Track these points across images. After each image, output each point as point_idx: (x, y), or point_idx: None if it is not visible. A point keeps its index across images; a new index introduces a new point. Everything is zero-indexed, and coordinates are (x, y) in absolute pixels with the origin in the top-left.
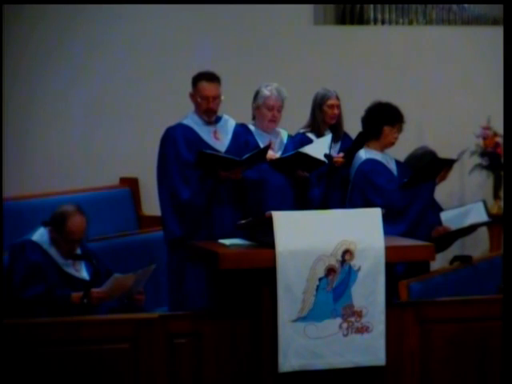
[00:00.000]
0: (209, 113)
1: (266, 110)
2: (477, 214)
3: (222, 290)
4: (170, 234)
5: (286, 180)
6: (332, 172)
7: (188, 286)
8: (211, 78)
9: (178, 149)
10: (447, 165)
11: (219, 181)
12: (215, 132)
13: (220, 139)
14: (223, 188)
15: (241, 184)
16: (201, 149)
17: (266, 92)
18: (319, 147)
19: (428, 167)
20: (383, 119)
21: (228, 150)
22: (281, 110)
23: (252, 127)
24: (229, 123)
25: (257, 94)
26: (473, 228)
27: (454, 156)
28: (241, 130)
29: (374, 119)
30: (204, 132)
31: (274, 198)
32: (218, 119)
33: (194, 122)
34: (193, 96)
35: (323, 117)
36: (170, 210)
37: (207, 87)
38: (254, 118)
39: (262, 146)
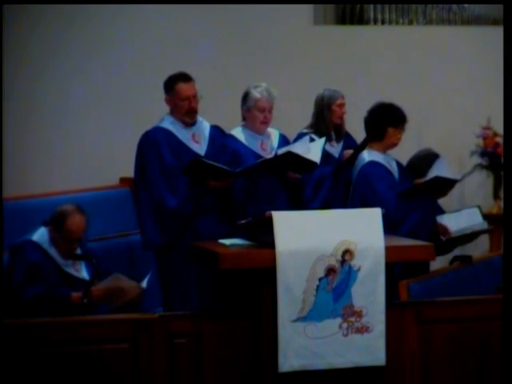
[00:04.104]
0: (191, 113)
1: (257, 112)
2: (474, 219)
3: (222, 290)
4: (149, 242)
5: (277, 184)
6: (338, 171)
7: (175, 291)
8: (187, 78)
9: (162, 154)
10: (449, 184)
11: (207, 189)
12: (193, 135)
13: (199, 142)
14: (209, 196)
15: (227, 192)
16: (182, 153)
17: (256, 94)
18: (312, 149)
19: (429, 184)
20: (387, 120)
21: (207, 154)
22: (272, 111)
23: (240, 129)
24: (204, 125)
25: (246, 96)
26: (475, 235)
27: (453, 156)
28: (216, 133)
29: (378, 120)
30: (183, 135)
31: (266, 202)
32: (194, 122)
33: (171, 125)
34: (170, 100)
35: (331, 116)
36: (150, 218)
37: (186, 87)
38: (243, 119)
39: (247, 147)
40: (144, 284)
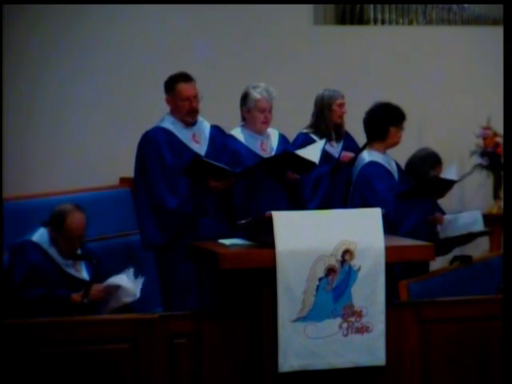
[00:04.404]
0: (193, 113)
1: (258, 113)
2: (474, 222)
3: (222, 290)
4: (149, 242)
5: (278, 184)
6: (335, 171)
7: (175, 291)
8: (187, 77)
9: (162, 154)
10: (447, 185)
11: (207, 189)
12: (194, 135)
13: (199, 142)
14: (209, 196)
15: (227, 192)
16: (182, 153)
17: (256, 95)
18: (311, 151)
19: (427, 184)
20: (388, 120)
21: (207, 154)
22: (271, 111)
23: (239, 129)
24: (204, 125)
25: (246, 97)
26: (472, 236)
27: (453, 156)
28: (217, 133)
29: (379, 121)
30: (184, 135)
31: (267, 202)
32: (195, 122)
33: (172, 125)
34: (170, 100)
35: (331, 116)
36: (150, 218)
37: (186, 87)
38: (243, 120)
39: (247, 147)
40: (138, 293)
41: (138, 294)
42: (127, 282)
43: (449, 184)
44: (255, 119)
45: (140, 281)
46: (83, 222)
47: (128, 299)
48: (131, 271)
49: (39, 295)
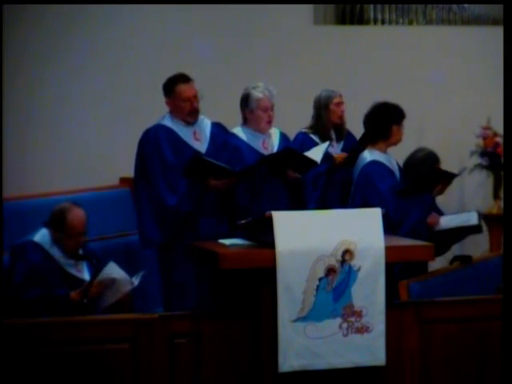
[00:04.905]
0: (194, 113)
1: (261, 113)
2: (469, 219)
3: (222, 290)
4: (148, 242)
5: (280, 184)
6: (332, 171)
7: (175, 291)
8: (186, 78)
9: (163, 152)
10: (447, 178)
11: (207, 188)
12: (195, 133)
13: (200, 140)
14: (209, 196)
15: (228, 192)
16: (183, 151)
17: (258, 95)
18: (313, 152)
19: (427, 178)
20: (390, 119)
21: (207, 151)
22: (273, 109)
23: (240, 128)
24: (204, 122)
25: (247, 98)
26: (463, 231)
27: (453, 156)
28: (218, 131)
29: (381, 120)
30: (184, 133)
31: (269, 202)
32: (195, 121)
33: (173, 123)
34: (170, 103)
35: (329, 116)
36: (149, 216)
37: (187, 88)
38: (244, 121)
39: (248, 145)
40: (135, 281)
41: (136, 282)
42: (120, 272)
43: (449, 177)
44: (259, 119)
45: (139, 273)
46: (83, 218)
47: (127, 288)
48: (140, 275)
49: (39, 295)
